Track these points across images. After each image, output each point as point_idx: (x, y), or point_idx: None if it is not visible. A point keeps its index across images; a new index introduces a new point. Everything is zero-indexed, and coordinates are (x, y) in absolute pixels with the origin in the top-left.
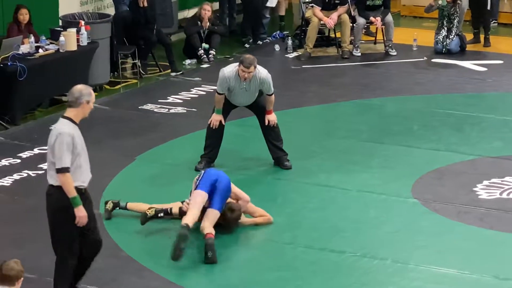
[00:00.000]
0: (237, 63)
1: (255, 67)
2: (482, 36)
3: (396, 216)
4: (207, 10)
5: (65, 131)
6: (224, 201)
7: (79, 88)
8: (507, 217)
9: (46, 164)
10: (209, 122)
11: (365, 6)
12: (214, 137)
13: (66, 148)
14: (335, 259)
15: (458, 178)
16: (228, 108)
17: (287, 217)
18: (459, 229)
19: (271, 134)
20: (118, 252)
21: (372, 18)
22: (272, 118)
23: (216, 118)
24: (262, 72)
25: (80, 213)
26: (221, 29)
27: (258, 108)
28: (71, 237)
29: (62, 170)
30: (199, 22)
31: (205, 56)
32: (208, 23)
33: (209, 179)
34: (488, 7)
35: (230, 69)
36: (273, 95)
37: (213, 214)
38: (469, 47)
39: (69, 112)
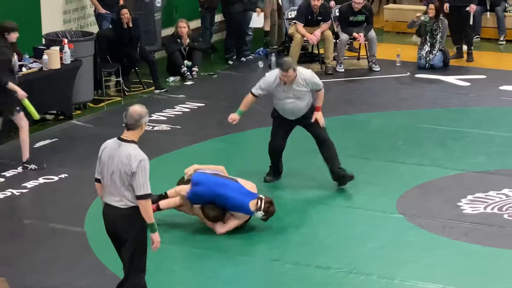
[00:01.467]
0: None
1: (294, 69)
2: (465, 51)
3: (381, 231)
4: (183, 27)
5: (145, 157)
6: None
7: (138, 110)
8: (491, 231)
9: (31, 182)
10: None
11: (348, 22)
12: (275, 155)
13: (148, 175)
14: (323, 275)
15: (442, 193)
16: (285, 128)
17: (274, 234)
18: (445, 244)
19: (325, 151)
20: (103, 270)
21: (355, 34)
22: (319, 116)
23: (233, 117)
24: (304, 73)
25: (158, 238)
26: (201, 45)
27: (310, 126)
28: (146, 257)
29: (147, 197)
30: (178, 40)
31: (188, 73)
32: (187, 40)
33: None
34: (471, 22)
35: (273, 74)
36: (322, 90)
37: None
38: (452, 62)
39: (132, 135)
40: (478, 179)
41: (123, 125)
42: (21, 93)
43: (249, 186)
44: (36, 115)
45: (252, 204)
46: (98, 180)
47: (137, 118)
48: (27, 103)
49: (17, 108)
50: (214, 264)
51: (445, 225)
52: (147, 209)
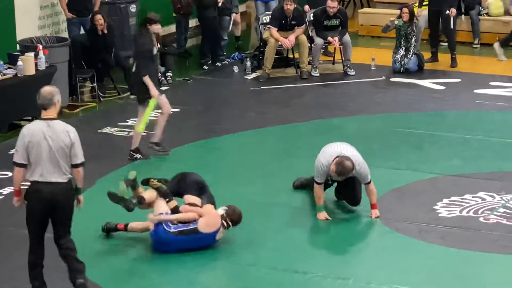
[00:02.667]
0: (334, 154)
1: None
2: (442, 55)
3: (358, 235)
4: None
5: (74, 128)
6: None
7: (49, 89)
8: (467, 234)
9: (7, 189)
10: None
11: (323, 26)
12: None
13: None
14: (299, 279)
15: (418, 196)
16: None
17: (250, 239)
18: (421, 248)
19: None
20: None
21: (330, 38)
22: (377, 213)
23: (321, 217)
24: (358, 163)
25: (81, 199)
26: (173, 49)
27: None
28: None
29: (83, 164)
30: None
31: (163, 78)
32: (158, 46)
33: None
34: (452, 26)
35: (326, 163)
36: (371, 184)
37: None
38: (427, 66)
39: (52, 113)
40: (454, 183)
41: (39, 107)
42: (155, 92)
43: (211, 222)
44: (141, 128)
45: (220, 235)
46: (22, 165)
47: (49, 97)
48: (151, 106)
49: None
50: (190, 270)
51: (421, 229)
52: (82, 175)
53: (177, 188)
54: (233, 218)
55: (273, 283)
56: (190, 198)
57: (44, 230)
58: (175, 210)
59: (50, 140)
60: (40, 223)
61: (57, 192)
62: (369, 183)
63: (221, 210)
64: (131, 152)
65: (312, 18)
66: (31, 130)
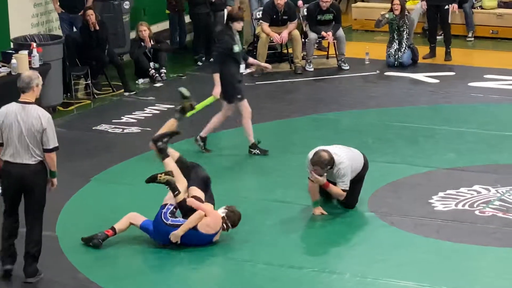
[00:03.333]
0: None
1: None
2: (438, 49)
3: (353, 230)
4: (144, 30)
5: (49, 114)
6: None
7: (28, 74)
8: (463, 228)
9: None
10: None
11: (316, 21)
12: None
13: (54, 130)
14: (295, 275)
15: (413, 190)
16: None
17: (245, 234)
18: (417, 242)
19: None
20: (76, 273)
21: (323, 33)
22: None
23: (317, 212)
24: (343, 167)
25: (56, 182)
26: (165, 45)
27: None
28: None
29: (55, 149)
30: (142, 43)
31: (157, 75)
32: (150, 42)
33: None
34: (449, 21)
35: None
36: (344, 193)
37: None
38: (422, 60)
39: (30, 97)
40: (449, 176)
41: (18, 89)
42: (218, 90)
43: (212, 223)
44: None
45: (217, 237)
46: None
47: (27, 80)
48: (208, 101)
49: (238, 96)
50: (186, 267)
51: (417, 223)
52: (54, 159)
53: (186, 174)
54: (232, 220)
55: (269, 279)
56: (195, 191)
57: (16, 206)
58: (182, 203)
59: (21, 123)
60: (12, 200)
61: (25, 174)
62: (342, 190)
63: (222, 212)
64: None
65: (305, 13)
66: (6, 111)
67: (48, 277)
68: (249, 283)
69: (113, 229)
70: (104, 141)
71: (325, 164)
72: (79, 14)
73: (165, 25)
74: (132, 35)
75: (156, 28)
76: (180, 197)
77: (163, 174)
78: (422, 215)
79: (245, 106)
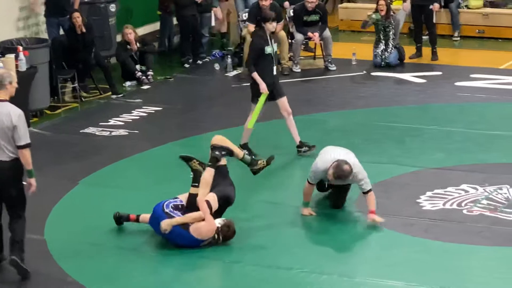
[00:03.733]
0: (332, 160)
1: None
2: (422, 49)
3: (341, 230)
4: (129, 33)
5: (22, 112)
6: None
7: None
8: (451, 227)
9: None
10: (303, 213)
11: (303, 22)
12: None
13: (26, 127)
14: (284, 276)
15: (402, 190)
16: None
17: (234, 236)
18: (405, 241)
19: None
20: (65, 277)
21: (310, 34)
22: (377, 219)
23: (305, 212)
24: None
25: (34, 182)
26: (151, 47)
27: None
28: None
29: (27, 146)
30: (128, 46)
31: (144, 77)
32: (136, 45)
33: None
34: (434, 21)
35: (324, 165)
36: (372, 192)
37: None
38: (409, 60)
39: (3, 95)
40: (437, 176)
41: None
42: (263, 86)
43: (204, 231)
44: (251, 123)
45: (205, 243)
46: None
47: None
48: (261, 101)
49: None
50: (174, 269)
51: (405, 222)
52: (27, 157)
53: (217, 183)
54: (226, 235)
55: (258, 280)
56: (212, 198)
57: None
58: (193, 197)
59: None
60: None
61: (1, 170)
62: (368, 191)
63: (218, 223)
64: (240, 146)
65: (292, 14)
66: None
67: (37, 281)
68: (238, 285)
69: (137, 216)
70: (92, 144)
71: (348, 177)
72: (67, 17)
73: (152, 27)
74: (119, 37)
75: (143, 30)
76: (195, 191)
77: (197, 162)
78: (410, 215)
79: (285, 107)
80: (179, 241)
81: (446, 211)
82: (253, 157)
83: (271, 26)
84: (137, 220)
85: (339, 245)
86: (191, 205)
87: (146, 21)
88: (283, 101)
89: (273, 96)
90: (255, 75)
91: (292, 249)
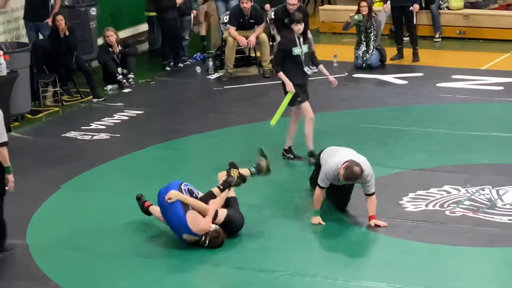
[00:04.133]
0: (341, 160)
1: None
2: (404, 50)
3: (324, 232)
4: (111, 36)
5: (0, 111)
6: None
7: None
8: (434, 228)
9: None
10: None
11: (284, 24)
12: None
13: (3, 124)
14: (267, 278)
15: (384, 191)
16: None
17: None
18: (388, 243)
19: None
20: (47, 281)
21: None
22: (381, 224)
23: (315, 221)
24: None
25: (12, 179)
26: (133, 50)
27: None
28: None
29: (3, 144)
30: (109, 49)
31: (124, 80)
32: (118, 47)
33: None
34: (415, 22)
35: (333, 167)
36: (374, 195)
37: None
38: (390, 61)
39: None
40: (419, 177)
41: None
42: (289, 85)
43: (197, 224)
44: (274, 120)
45: (189, 238)
46: None
47: None
48: (286, 99)
49: (298, 99)
50: (158, 272)
51: (388, 224)
52: (4, 154)
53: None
54: (212, 240)
55: (242, 283)
56: (222, 212)
57: None
58: (209, 195)
59: None
60: None
61: None
62: (372, 194)
63: (211, 227)
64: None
65: (272, 16)
66: None
67: (19, 286)
68: None
69: (148, 205)
70: (73, 148)
71: (358, 178)
72: (45, 22)
73: (132, 30)
74: (100, 41)
75: (124, 33)
76: (217, 193)
77: (238, 172)
78: (393, 216)
79: (307, 110)
80: (171, 217)
81: (429, 212)
82: (253, 164)
83: (296, 27)
84: (147, 209)
85: (322, 247)
86: (203, 200)
87: (132, 23)
88: (307, 105)
89: (303, 98)
90: (281, 74)
91: (275, 252)
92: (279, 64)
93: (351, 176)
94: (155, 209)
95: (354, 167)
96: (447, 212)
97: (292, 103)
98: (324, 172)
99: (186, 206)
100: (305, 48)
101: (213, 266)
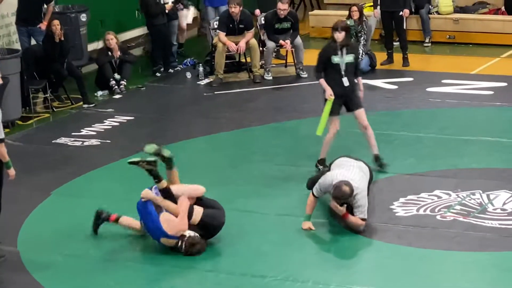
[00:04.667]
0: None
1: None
2: (394, 55)
3: (315, 237)
4: (111, 39)
5: None
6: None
7: None
8: (424, 233)
9: None
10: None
11: (274, 29)
12: None
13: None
14: (258, 284)
15: (375, 196)
16: None
17: (207, 244)
18: (379, 247)
19: None
20: (37, 287)
21: (281, 42)
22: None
23: (305, 226)
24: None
25: (13, 172)
26: (132, 57)
27: None
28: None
29: (2, 140)
30: (109, 52)
31: (116, 87)
32: (118, 53)
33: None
34: (404, 27)
35: (329, 178)
36: (364, 222)
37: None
38: (381, 66)
39: None
40: (410, 182)
41: None
42: (328, 92)
43: (172, 226)
44: (320, 130)
45: (166, 242)
46: None
47: None
48: (326, 108)
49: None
50: (148, 278)
51: (378, 229)
52: (1, 151)
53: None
54: (188, 250)
55: None
56: (198, 210)
57: None
58: (165, 190)
59: None
60: None
61: None
62: (361, 219)
63: (190, 233)
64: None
65: (263, 22)
66: None
67: None
68: None
69: (117, 218)
70: (64, 154)
71: (347, 199)
72: (38, 26)
73: (122, 36)
74: (90, 47)
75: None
76: (163, 185)
77: (145, 163)
78: (384, 221)
79: (361, 118)
80: (147, 222)
81: (420, 217)
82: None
83: (335, 35)
84: (116, 221)
85: (313, 252)
86: (164, 194)
87: (127, 28)
88: (359, 113)
89: (348, 107)
90: (321, 81)
91: (266, 257)
92: (319, 70)
93: (339, 195)
94: (125, 220)
95: (343, 187)
96: (438, 217)
97: (331, 112)
98: (319, 183)
99: (158, 208)
100: (348, 58)
101: (204, 272)
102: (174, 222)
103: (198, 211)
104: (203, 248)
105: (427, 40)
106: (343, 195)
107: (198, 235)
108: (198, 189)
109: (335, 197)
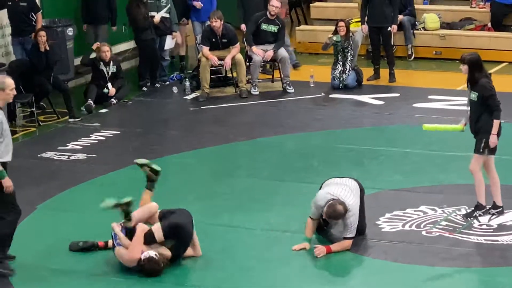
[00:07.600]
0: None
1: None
2: (380, 70)
3: (300, 252)
4: (107, 51)
5: None
6: None
7: None
8: (410, 248)
9: None
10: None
11: (259, 30)
12: None
13: None
14: None
15: None
16: None
17: (193, 259)
18: (365, 263)
19: None
20: None
21: (253, 48)
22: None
23: (296, 247)
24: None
25: (8, 183)
26: (122, 73)
27: None
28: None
29: None
30: (101, 62)
31: (112, 100)
32: (113, 66)
33: None
34: (392, 42)
35: (323, 199)
36: (350, 241)
37: None
38: (367, 82)
39: None
40: (395, 197)
41: None
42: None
43: (124, 259)
44: (429, 127)
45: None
46: None
47: None
48: (452, 127)
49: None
50: None
51: (364, 244)
52: None
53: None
54: (148, 270)
55: None
56: (156, 227)
57: None
58: (131, 229)
59: None
60: None
61: None
62: (348, 238)
63: (148, 254)
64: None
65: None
66: None
67: None
68: None
69: (106, 242)
70: (50, 168)
71: (339, 219)
72: (29, 36)
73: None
74: (76, 61)
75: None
76: (130, 224)
77: (119, 206)
78: (370, 237)
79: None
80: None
81: (405, 233)
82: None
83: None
84: (105, 246)
85: (298, 267)
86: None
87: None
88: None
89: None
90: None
91: (252, 272)
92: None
93: (333, 214)
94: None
95: (337, 206)
96: (423, 233)
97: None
98: (313, 202)
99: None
100: (472, 96)
101: (189, 287)
102: (125, 255)
103: (157, 228)
104: (159, 265)
105: (409, 47)
106: (337, 215)
107: (156, 254)
108: (151, 207)
109: (329, 216)
